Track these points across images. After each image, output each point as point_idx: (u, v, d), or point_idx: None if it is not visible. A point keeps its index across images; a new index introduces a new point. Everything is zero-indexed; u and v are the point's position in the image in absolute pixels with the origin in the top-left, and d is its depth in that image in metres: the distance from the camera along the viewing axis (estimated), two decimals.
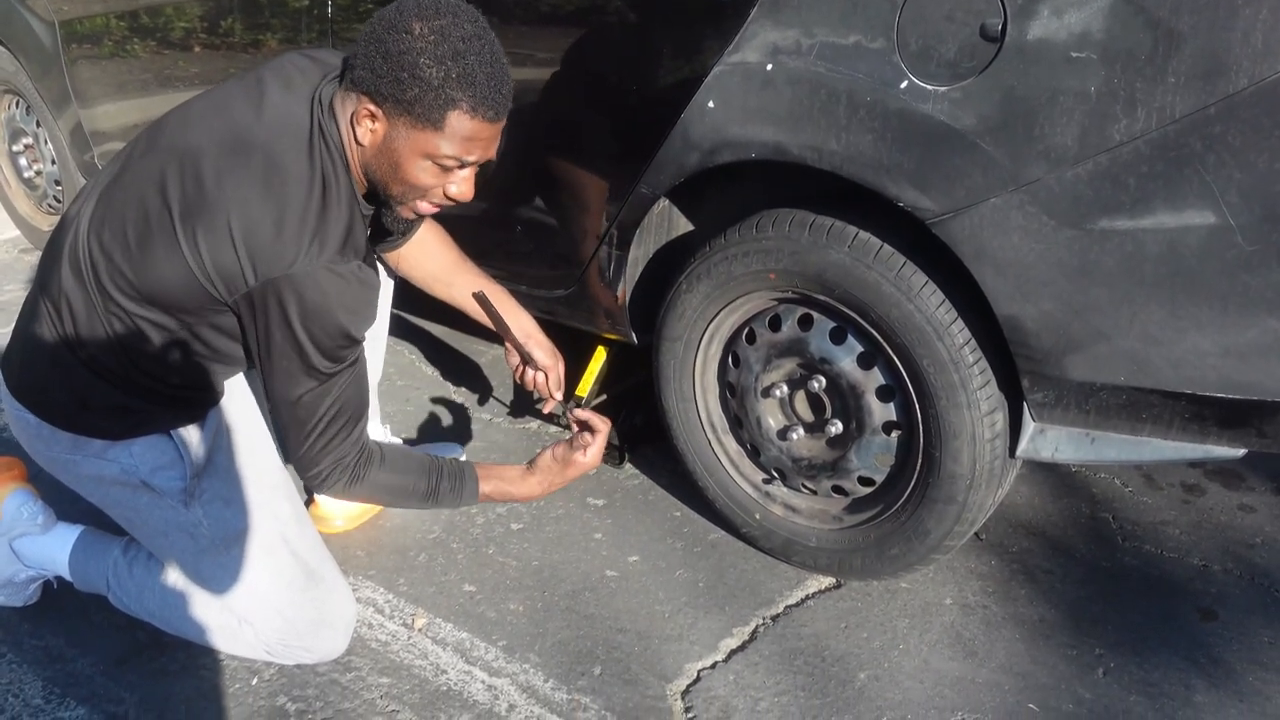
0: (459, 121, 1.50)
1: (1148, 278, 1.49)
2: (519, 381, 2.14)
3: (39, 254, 3.97)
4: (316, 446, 1.66)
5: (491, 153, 1.59)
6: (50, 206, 3.93)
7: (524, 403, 2.76)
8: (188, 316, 1.60)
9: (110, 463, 1.75)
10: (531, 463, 1.89)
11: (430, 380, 2.92)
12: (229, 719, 1.78)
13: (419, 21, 1.47)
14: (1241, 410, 1.55)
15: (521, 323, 2.07)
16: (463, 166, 1.57)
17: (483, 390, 2.86)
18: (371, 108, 1.52)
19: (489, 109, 1.50)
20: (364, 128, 1.55)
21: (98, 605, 1.98)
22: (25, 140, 3.87)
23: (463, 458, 2.46)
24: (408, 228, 1.68)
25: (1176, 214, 1.44)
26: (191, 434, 1.80)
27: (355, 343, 1.59)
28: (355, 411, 1.68)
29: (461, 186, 1.60)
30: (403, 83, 1.47)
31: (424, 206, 1.63)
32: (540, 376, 2.09)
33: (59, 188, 3.80)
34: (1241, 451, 1.64)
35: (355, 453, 1.70)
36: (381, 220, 1.69)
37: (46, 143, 3.76)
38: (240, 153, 1.53)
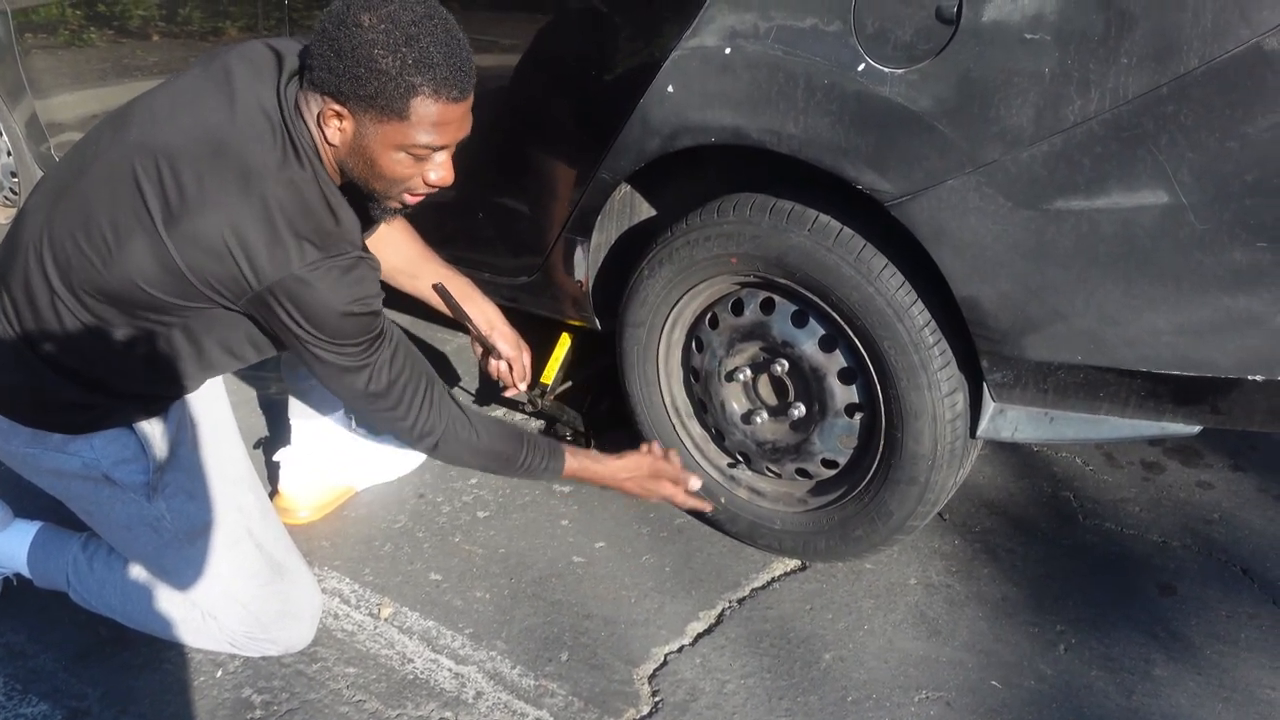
0: (424, 107, 1.47)
1: (1103, 257, 1.51)
2: (484, 370, 2.14)
3: None
4: (397, 417, 1.68)
5: (465, 131, 1.56)
6: (6, 199, 3.88)
7: (489, 390, 2.75)
8: (161, 318, 1.59)
9: (71, 456, 1.73)
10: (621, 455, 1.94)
11: None
12: (194, 712, 1.77)
13: (366, 13, 1.45)
14: (1196, 387, 1.57)
15: (486, 313, 2.07)
16: (437, 151, 1.55)
17: (448, 378, 2.86)
18: (336, 107, 1.50)
19: (451, 89, 1.48)
20: (332, 128, 1.53)
21: (59, 601, 1.96)
22: None
23: None
24: (396, 216, 1.70)
25: (1130, 194, 1.46)
26: (154, 427, 1.78)
27: (375, 314, 1.59)
28: (419, 371, 1.69)
29: (440, 172, 1.57)
30: (360, 78, 1.45)
31: (408, 198, 1.61)
32: (504, 366, 2.09)
33: (15, 179, 3.75)
34: (1197, 428, 1.67)
35: (437, 414, 1.71)
36: (370, 214, 1.68)
37: (1, 134, 3.70)
38: (219, 155, 1.50)
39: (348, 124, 1.51)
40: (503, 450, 1.80)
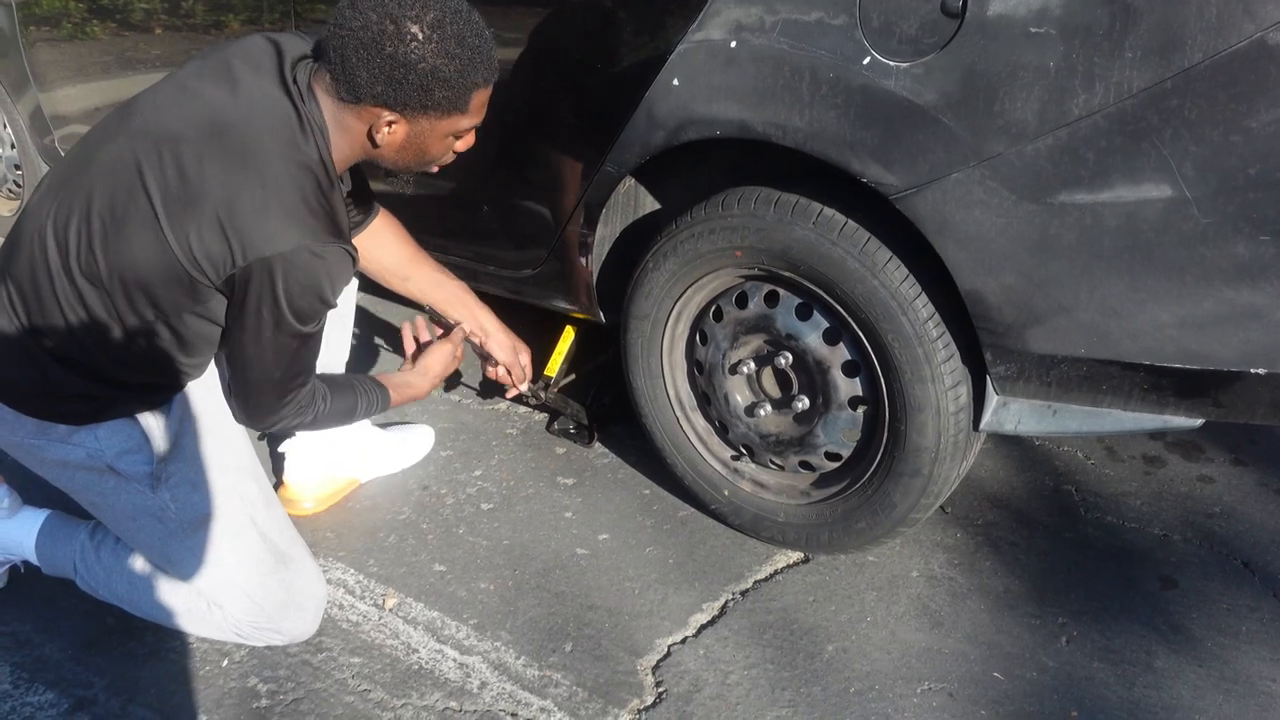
0: (478, 97, 1.61)
1: (1106, 251, 1.51)
2: (485, 374, 2.16)
3: None
4: (277, 397, 1.71)
5: None
6: (10, 191, 3.88)
7: (492, 384, 2.75)
8: (159, 305, 1.60)
9: (75, 447, 1.74)
10: (415, 363, 2.04)
11: (397, 364, 2.90)
12: (199, 701, 1.78)
13: (414, 24, 1.50)
14: (1198, 380, 1.58)
15: (481, 321, 2.09)
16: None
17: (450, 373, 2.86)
18: (391, 116, 1.58)
19: (493, 74, 1.62)
20: (383, 134, 1.61)
21: (66, 590, 1.97)
22: None
23: (432, 440, 2.48)
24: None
25: (1134, 187, 1.46)
26: (157, 418, 1.79)
27: (329, 307, 1.63)
28: (312, 363, 1.73)
29: (468, 140, 1.71)
30: (429, 89, 1.54)
31: (434, 168, 1.75)
32: (502, 371, 2.12)
33: (19, 172, 3.75)
34: (1199, 421, 1.67)
35: (308, 394, 1.75)
36: (387, 180, 1.75)
37: (5, 127, 3.70)
38: (220, 137, 1.54)
39: (400, 127, 1.60)
40: (347, 406, 1.85)
